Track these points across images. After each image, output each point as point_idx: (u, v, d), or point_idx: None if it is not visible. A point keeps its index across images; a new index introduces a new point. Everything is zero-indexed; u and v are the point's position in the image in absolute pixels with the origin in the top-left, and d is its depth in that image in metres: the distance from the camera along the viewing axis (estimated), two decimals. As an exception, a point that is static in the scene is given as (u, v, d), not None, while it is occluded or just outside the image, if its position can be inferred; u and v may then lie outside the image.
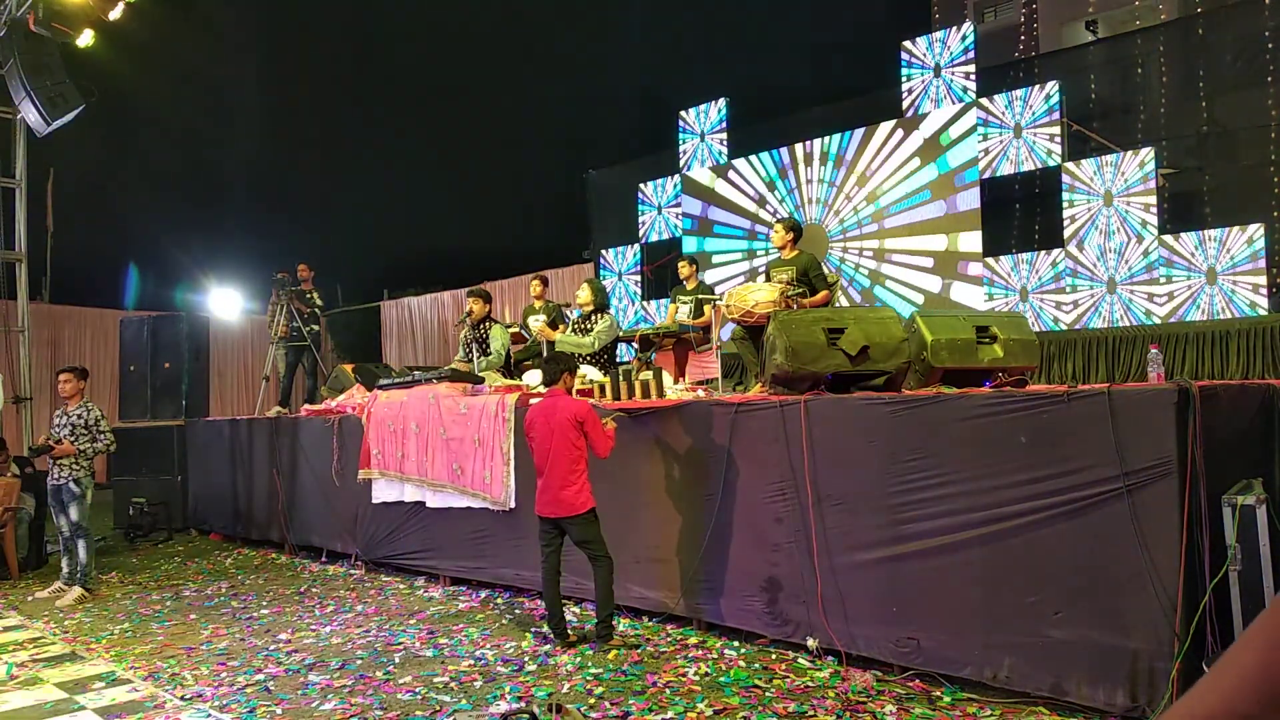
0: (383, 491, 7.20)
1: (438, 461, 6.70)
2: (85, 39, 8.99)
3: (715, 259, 12.44)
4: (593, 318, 7.38)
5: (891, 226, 10.76)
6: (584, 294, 7.40)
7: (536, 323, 8.41)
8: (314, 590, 6.86)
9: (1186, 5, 12.36)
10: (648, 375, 5.97)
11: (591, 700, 4.07)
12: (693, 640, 4.96)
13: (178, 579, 7.57)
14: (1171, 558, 3.41)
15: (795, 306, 6.20)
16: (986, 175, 9.97)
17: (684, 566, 5.19)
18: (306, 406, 8.93)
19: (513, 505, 6.11)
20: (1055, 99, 9.46)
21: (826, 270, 8.45)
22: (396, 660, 4.87)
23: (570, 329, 7.58)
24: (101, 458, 7.51)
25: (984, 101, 9.97)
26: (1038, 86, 9.65)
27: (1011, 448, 3.86)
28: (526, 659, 4.77)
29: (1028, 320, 5.35)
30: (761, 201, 12.03)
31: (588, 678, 4.39)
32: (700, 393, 6.22)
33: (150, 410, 10.41)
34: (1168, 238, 8.74)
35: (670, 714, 3.86)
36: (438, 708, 4.08)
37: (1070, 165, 9.38)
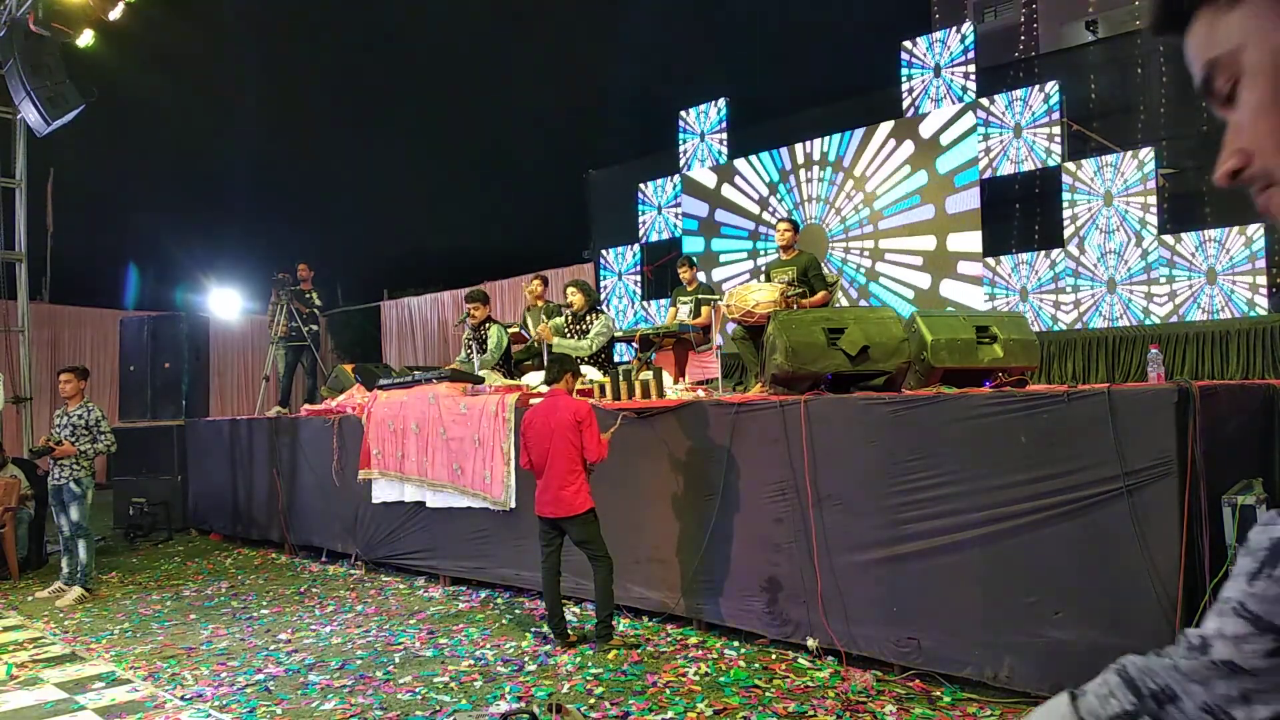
0: (383, 491, 7.20)
1: (438, 461, 6.70)
2: (85, 39, 8.99)
3: (722, 258, 12.44)
4: (587, 318, 7.38)
5: (891, 227, 10.76)
6: (575, 296, 7.39)
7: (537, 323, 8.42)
8: (314, 590, 6.86)
9: (1187, 5, 12.33)
10: (648, 375, 5.97)
11: (591, 700, 4.08)
12: (693, 640, 4.96)
13: (178, 579, 7.57)
14: (1171, 558, 3.41)
15: (795, 306, 6.20)
16: (986, 175, 9.96)
17: (684, 566, 5.19)
18: (306, 406, 8.93)
19: (513, 505, 6.11)
20: (1055, 99, 9.45)
21: (826, 270, 8.46)
22: (396, 660, 4.87)
23: (565, 330, 7.57)
24: (102, 458, 7.51)
25: (984, 101, 9.97)
26: (1038, 86, 9.65)
27: (1011, 448, 3.86)
28: (526, 659, 4.77)
29: (1028, 320, 5.36)
30: (764, 203, 12.03)
31: (588, 678, 4.39)
32: (700, 393, 6.22)
33: (150, 410, 10.41)
34: (1168, 238, 8.74)
35: (670, 714, 3.87)
36: (438, 708, 4.08)
37: (1070, 165, 9.38)
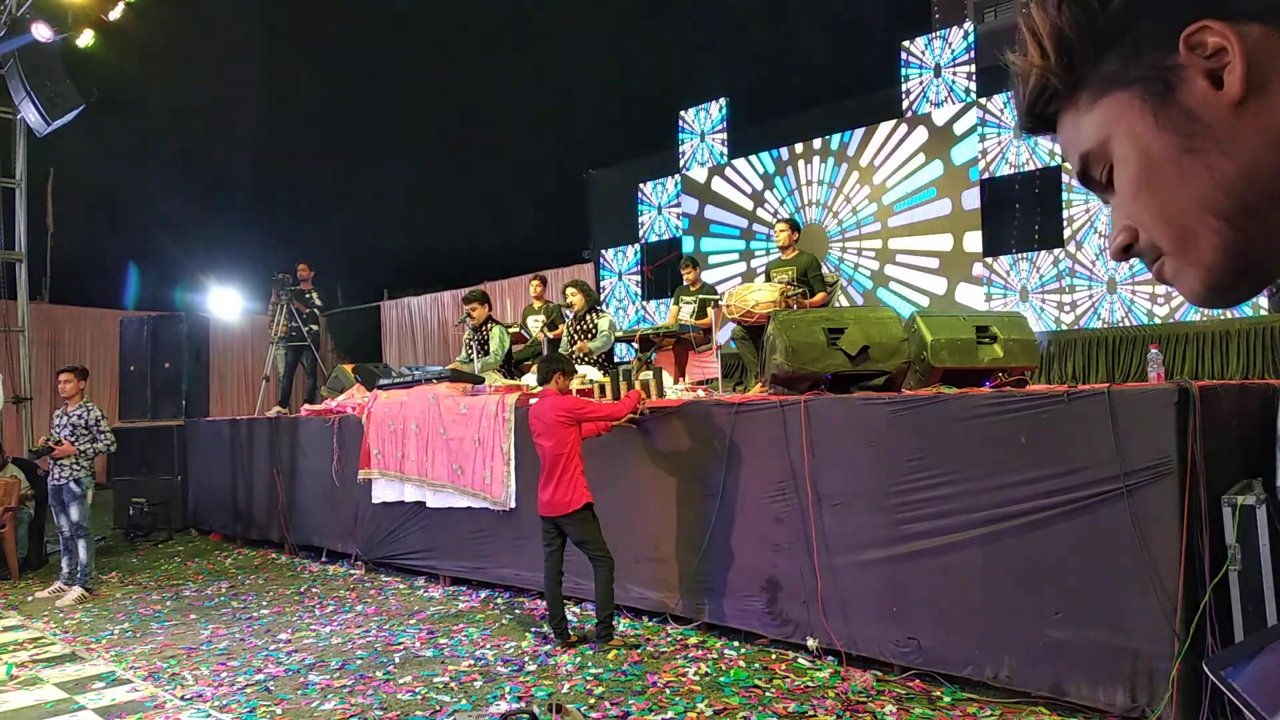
0: (383, 491, 7.20)
1: (438, 461, 6.70)
2: (85, 39, 8.98)
3: (712, 259, 12.43)
4: (588, 318, 7.38)
5: (891, 227, 10.76)
6: (575, 297, 7.40)
7: (536, 323, 8.42)
8: (314, 590, 6.86)
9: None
10: (648, 375, 5.98)
11: (591, 700, 4.08)
12: (693, 640, 4.96)
13: (178, 579, 7.57)
14: (1171, 558, 3.41)
15: (795, 306, 6.20)
16: (986, 175, 9.97)
17: (684, 566, 5.19)
18: (306, 406, 8.93)
19: (513, 505, 6.11)
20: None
21: (826, 270, 8.46)
22: (396, 660, 4.87)
23: (566, 331, 7.58)
24: (101, 458, 7.50)
25: (984, 101, 9.97)
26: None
27: (1011, 448, 3.86)
28: (526, 659, 4.77)
29: (1028, 320, 5.37)
30: (760, 200, 12.03)
31: (588, 678, 4.40)
32: (700, 393, 6.22)
33: (150, 410, 10.40)
34: (1168, 238, 8.73)
35: (670, 714, 3.87)
36: (438, 708, 4.08)
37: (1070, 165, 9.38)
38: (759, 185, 12.05)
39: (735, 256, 12.32)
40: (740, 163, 12.28)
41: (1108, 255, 0.71)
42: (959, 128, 10.15)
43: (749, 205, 12.19)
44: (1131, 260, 0.67)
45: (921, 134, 10.44)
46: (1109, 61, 0.62)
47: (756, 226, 12.11)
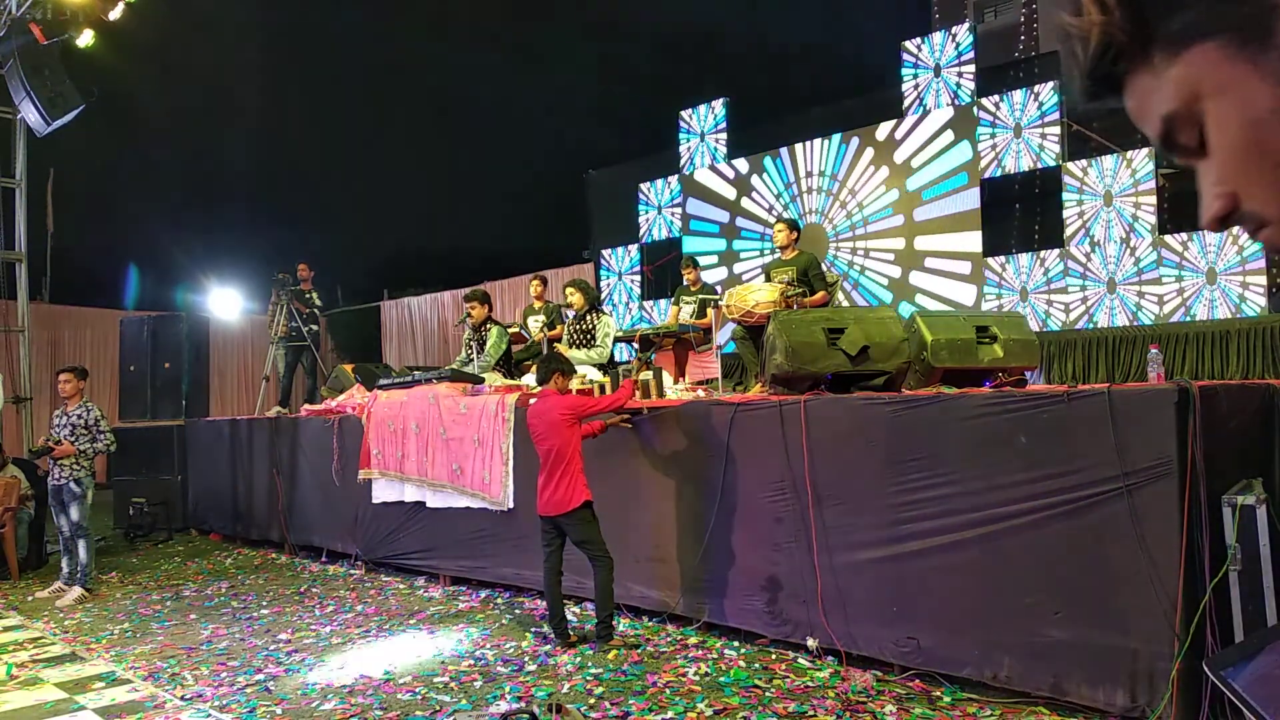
0: (383, 491, 7.19)
1: (437, 461, 6.70)
2: (85, 39, 8.98)
3: (697, 258, 12.43)
4: (588, 318, 7.38)
5: (891, 227, 10.76)
6: (575, 297, 7.41)
7: (536, 323, 8.42)
8: (314, 590, 6.86)
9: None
10: (648, 375, 5.98)
11: (591, 700, 4.08)
12: (693, 640, 4.96)
13: (178, 579, 7.57)
14: (1171, 558, 3.41)
15: (795, 306, 6.20)
16: (986, 175, 9.96)
17: (684, 566, 5.19)
18: (306, 406, 8.93)
19: (511, 505, 6.11)
20: (1055, 99, 9.46)
21: (826, 270, 8.46)
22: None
23: (566, 331, 7.58)
24: (101, 458, 7.50)
25: (984, 101, 9.97)
26: (1038, 86, 9.65)
27: (1011, 448, 3.86)
28: (526, 659, 4.77)
29: (1028, 320, 5.37)
30: (747, 188, 12.03)
31: (588, 678, 4.39)
32: (700, 393, 6.22)
33: (150, 410, 10.40)
34: (1168, 238, 8.74)
35: (670, 714, 3.87)
36: (438, 708, 4.08)
37: (1070, 165, 9.38)
38: (762, 188, 12.02)
39: (715, 260, 12.31)
40: (742, 164, 12.27)
41: (1203, 224, 0.62)
42: (958, 128, 10.13)
43: (732, 194, 12.17)
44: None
45: (947, 112, 10.25)
46: (1188, 9, 0.54)
47: (740, 222, 12.10)
